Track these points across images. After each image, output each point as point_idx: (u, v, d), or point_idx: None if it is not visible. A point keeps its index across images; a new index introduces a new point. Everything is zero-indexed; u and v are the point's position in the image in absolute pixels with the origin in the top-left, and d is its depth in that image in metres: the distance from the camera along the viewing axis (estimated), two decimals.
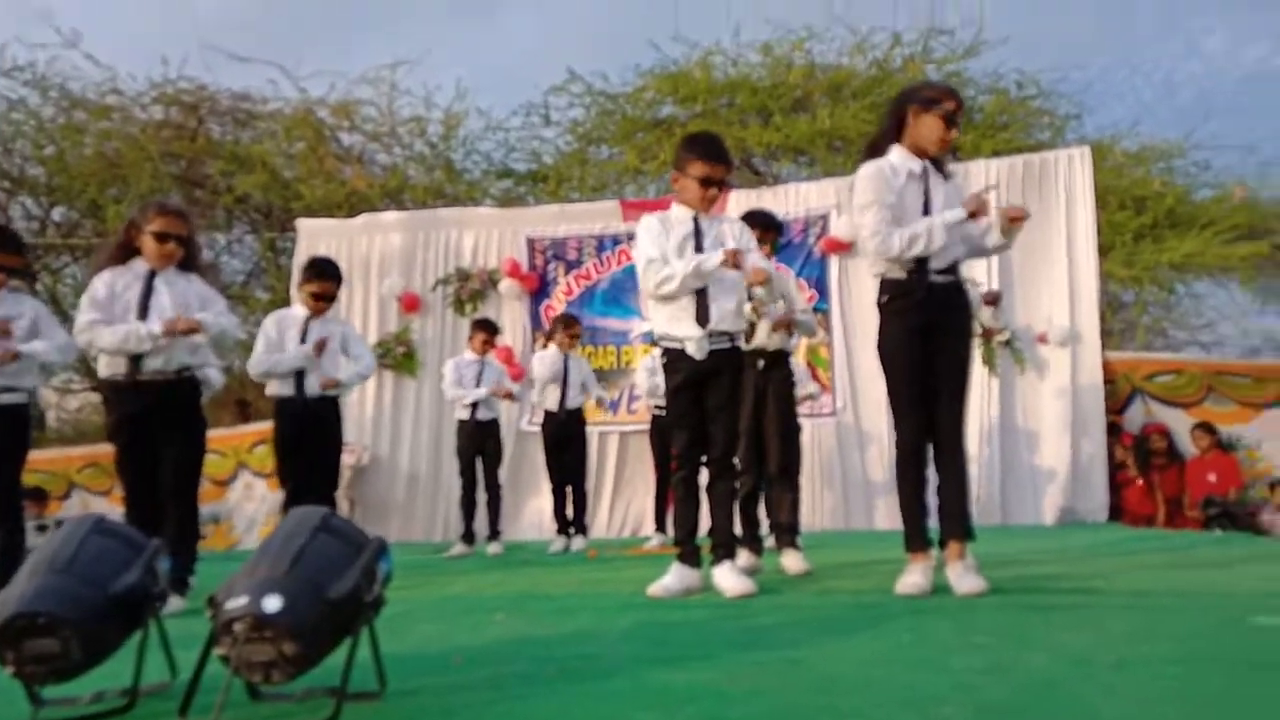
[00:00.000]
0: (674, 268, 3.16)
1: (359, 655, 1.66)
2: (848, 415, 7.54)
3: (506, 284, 8.09)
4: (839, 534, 6.84)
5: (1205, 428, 7.15)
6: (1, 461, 3.65)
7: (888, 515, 7.23)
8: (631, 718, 1.57)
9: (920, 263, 3.01)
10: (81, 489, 9.00)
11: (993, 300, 7.07)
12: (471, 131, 12.01)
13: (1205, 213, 10.20)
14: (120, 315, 3.42)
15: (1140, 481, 7.22)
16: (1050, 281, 7.37)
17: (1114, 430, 7.33)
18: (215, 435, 8.32)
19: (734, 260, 3.11)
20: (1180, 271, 10.43)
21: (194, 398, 3.56)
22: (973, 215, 3.00)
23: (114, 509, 8.38)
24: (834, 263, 7.68)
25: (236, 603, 1.57)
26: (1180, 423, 7.33)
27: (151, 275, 3.50)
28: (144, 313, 3.43)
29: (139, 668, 1.73)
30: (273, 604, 1.55)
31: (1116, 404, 7.39)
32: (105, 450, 9.01)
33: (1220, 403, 7.22)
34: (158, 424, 3.45)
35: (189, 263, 3.57)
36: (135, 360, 3.42)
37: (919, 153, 3.07)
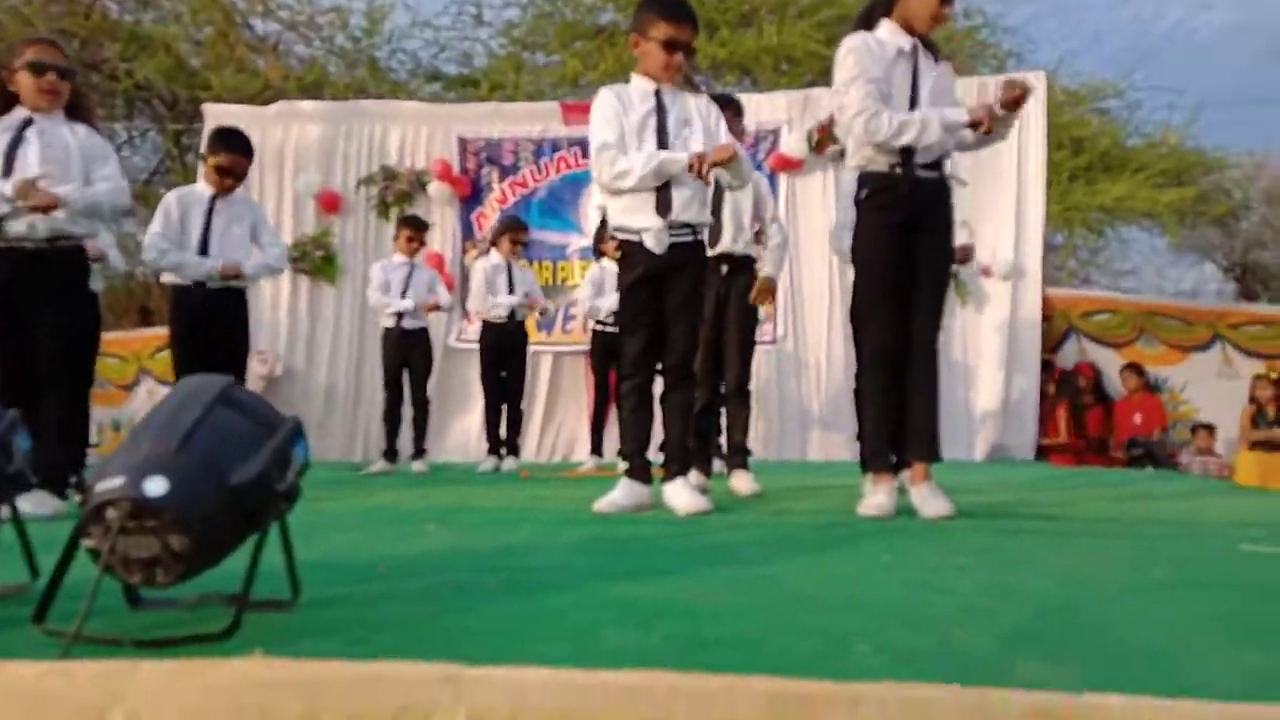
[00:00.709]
0: (632, 161, 2.83)
1: (266, 558, 1.35)
2: (788, 343, 7.38)
3: (436, 187, 7.57)
4: (774, 463, 6.72)
5: (1134, 369, 7.23)
6: None
7: (820, 447, 7.16)
8: (596, 635, 1.31)
9: (906, 154, 2.74)
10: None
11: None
12: (398, 27, 11.38)
13: (1137, 158, 10.33)
14: None
15: (1063, 418, 7.27)
16: (997, 212, 7.23)
17: (1047, 366, 7.35)
18: (114, 338, 7.73)
19: (699, 168, 2.79)
20: (1110, 215, 10.56)
21: (73, 270, 3.07)
22: (975, 125, 2.73)
23: None
24: (783, 181, 7.40)
25: (110, 484, 1.23)
26: (1111, 363, 7.39)
27: (25, 124, 3.01)
28: (8, 167, 2.94)
29: None
30: (156, 486, 1.22)
31: (1051, 341, 7.42)
32: None
33: (1150, 344, 7.30)
34: (27, 298, 2.99)
35: (76, 110, 3.08)
36: None
37: (909, 29, 2.79)
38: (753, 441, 7.02)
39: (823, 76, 10.38)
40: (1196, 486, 4.40)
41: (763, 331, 7.17)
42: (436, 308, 5.83)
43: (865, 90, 2.69)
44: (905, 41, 2.79)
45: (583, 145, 6.91)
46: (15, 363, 3.02)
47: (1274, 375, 6.90)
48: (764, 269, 3.63)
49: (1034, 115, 7.26)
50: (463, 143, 7.67)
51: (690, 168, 2.80)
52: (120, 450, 1.31)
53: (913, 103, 2.75)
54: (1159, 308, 7.62)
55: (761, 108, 7.57)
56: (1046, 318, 7.33)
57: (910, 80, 2.77)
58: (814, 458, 7.06)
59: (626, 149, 2.89)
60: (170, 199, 3.95)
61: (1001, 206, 7.24)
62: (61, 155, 3.00)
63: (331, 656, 1.16)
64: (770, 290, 3.63)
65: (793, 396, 7.37)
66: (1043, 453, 7.17)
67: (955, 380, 7.26)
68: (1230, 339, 7.22)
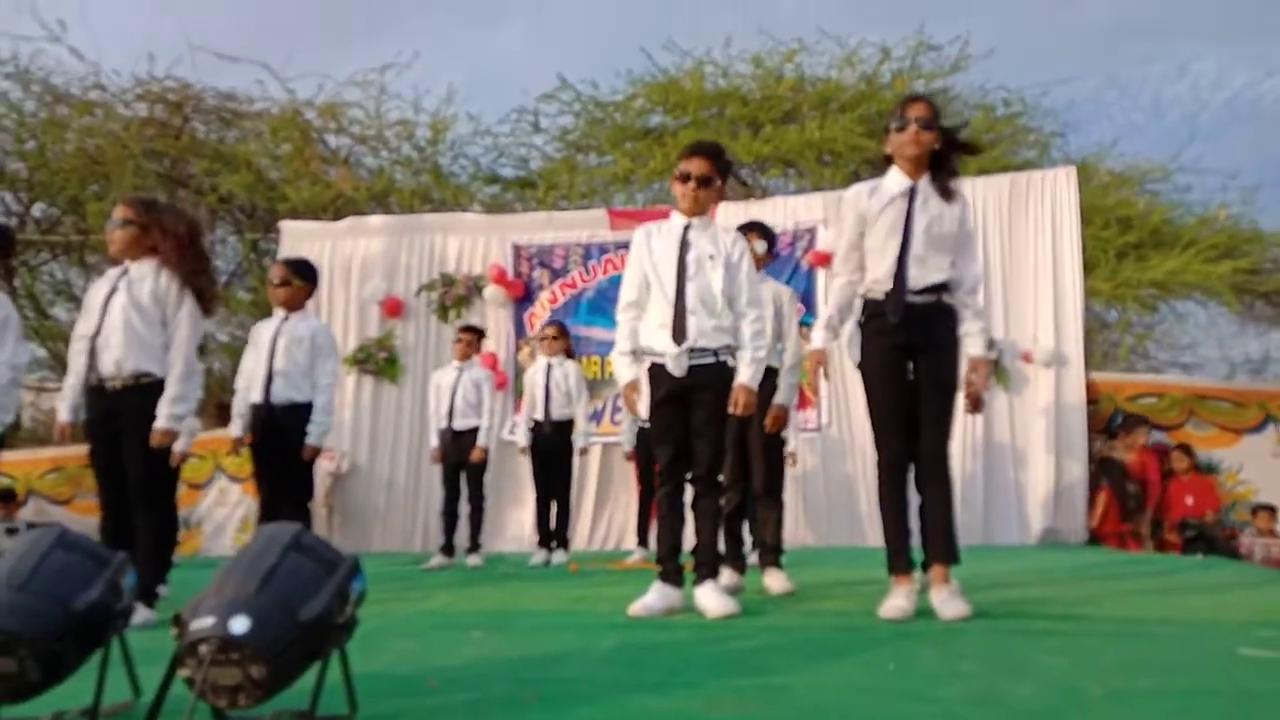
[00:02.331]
0: (620, 345, 3.28)
1: (330, 677, 1.60)
2: (834, 430, 7.51)
3: (491, 290, 8.02)
4: (823, 550, 6.79)
5: (1184, 449, 7.16)
6: None
7: (873, 532, 7.20)
8: None
9: (896, 285, 2.98)
10: (39, 496, 8.68)
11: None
12: (460, 136, 11.96)
13: (1188, 233, 10.29)
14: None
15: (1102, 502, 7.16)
16: (1035, 301, 7.37)
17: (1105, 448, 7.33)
18: (196, 438, 8.20)
19: (628, 400, 3.21)
20: (1163, 290, 10.50)
21: (152, 403, 3.39)
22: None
23: (72, 518, 8.21)
24: (821, 276, 7.65)
25: (202, 623, 1.51)
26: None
27: (121, 274, 3.47)
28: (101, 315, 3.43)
29: (100, 688, 1.67)
30: (240, 625, 1.49)
31: (1099, 424, 7.40)
32: (72, 454, 8.85)
33: (1200, 427, 7.23)
34: (117, 430, 3.39)
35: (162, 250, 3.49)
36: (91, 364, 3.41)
37: (909, 171, 3.05)
38: (800, 530, 7.24)
39: (865, 167, 10.70)
40: (1235, 578, 4.39)
41: (807, 420, 7.37)
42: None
43: (843, 253, 3.16)
44: (902, 185, 3.04)
45: (628, 248, 7.24)
46: (111, 484, 3.40)
47: None
48: (776, 397, 3.82)
49: (1066, 205, 7.44)
50: (516, 249, 8.13)
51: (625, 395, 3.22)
52: (211, 590, 1.59)
53: (904, 244, 2.99)
54: (1207, 390, 7.56)
55: (799, 208, 7.90)
56: (1092, 401, 7.35)
57: (903, 223, 3.00)
58: (865, 543, 7.08)
59: (650, 288, 3.22)
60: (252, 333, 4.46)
61: (1040, 295, 7.36)
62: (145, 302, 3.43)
63: None
64: (782, 417, 3.83)
65: (840, 482, 7.47)
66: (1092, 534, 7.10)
67: (1005, 464, 7.30)
68: None
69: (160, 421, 3.35)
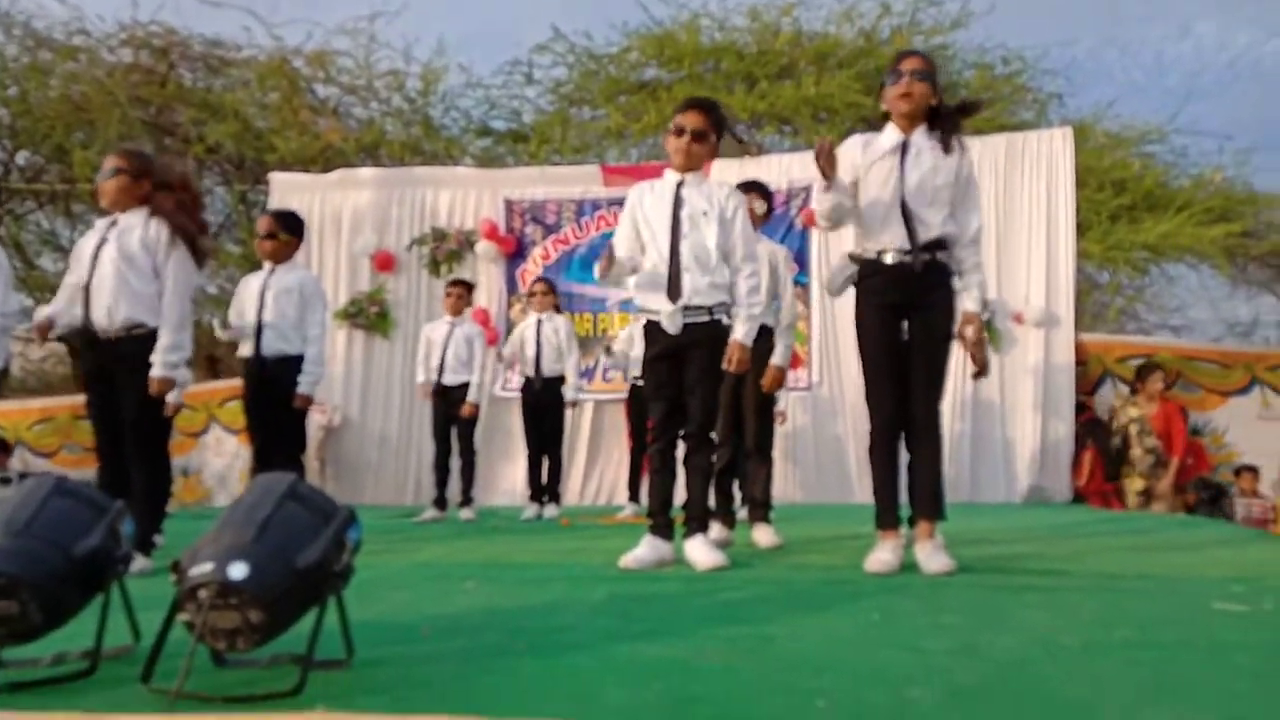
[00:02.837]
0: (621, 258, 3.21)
1: (327, 623, 1.63)
2: (824, 389, 7.58)
3: (483, 246, 7.99)
4: (812, 507, 6.88)
5: (1180, 411, 7.20)
6: None
7: (862, 489, 7.30)
8: (599, 693, 1.56)
9: (886, 243, 2.99)
10: (24, 447, 8.71)
11: (980, 369, 7.08)
12: (451, 88, 11.85)
13: (1182, 196, 10.28)
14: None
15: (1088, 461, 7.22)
16: (1028, 261, 7.41)
17: (1083, 410, 7.40)
18: (186, 390, 8.21)
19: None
20: (1155, 253, 10.52)
21: (146, 353, 3.39)
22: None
23: (57, 471, 8.22)
24: (815, 235, 7.65)
25: (201, 569, 1.53)
26: None
27: (110, 225, 3.45)
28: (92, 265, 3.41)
29: (101, 631, 1.70)
30: (239, 570, 1.52)
31: (1087, 385, 7.48)
32: (63, 404, 8.84)
33: (1188, 389, 7.31)
34: (112, 379, 3.40)
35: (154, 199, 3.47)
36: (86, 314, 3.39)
37: (904, 126, 3.04)
38: (790, 487, 7.32)
39: (861, 124, 10.60)
40: (1215, 536, 4.47)
41: (798, 378, 7.41)
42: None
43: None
44: (895, 139, 3.04)
45: (621, 204, 7.21)
46: (107, 434, 3.42)
47: None
48: (773, 358, 3.84)
49: (1062, 166, 7.43)
50: (509, 204, 8.09)
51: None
52: (207, 538, 1.61)
53: (901, 201, 2.98)
54: (1195, 352, 7.62)
55: (794, 166, 7.86)
56: (1081, 362, 7.41)
57: (896, 175, 3.00)
58: (853, 500, 7.18)
59: (644, 244, 3.21)
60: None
61: (1033, 256, 7.40)
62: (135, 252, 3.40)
63: (380, 712, 1.45)
64: (780, 379, 3.85)
65: (829, 440, 7.56)
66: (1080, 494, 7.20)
67: (993, 423, 7.39)
68: (1268, 381, 7.22)
69: (156, 369, 3.35)
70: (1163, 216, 9.98)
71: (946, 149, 3.02)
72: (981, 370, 3.12)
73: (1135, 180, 10.27)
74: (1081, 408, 7.38)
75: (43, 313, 3.50)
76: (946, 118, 3.03)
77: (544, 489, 6.21)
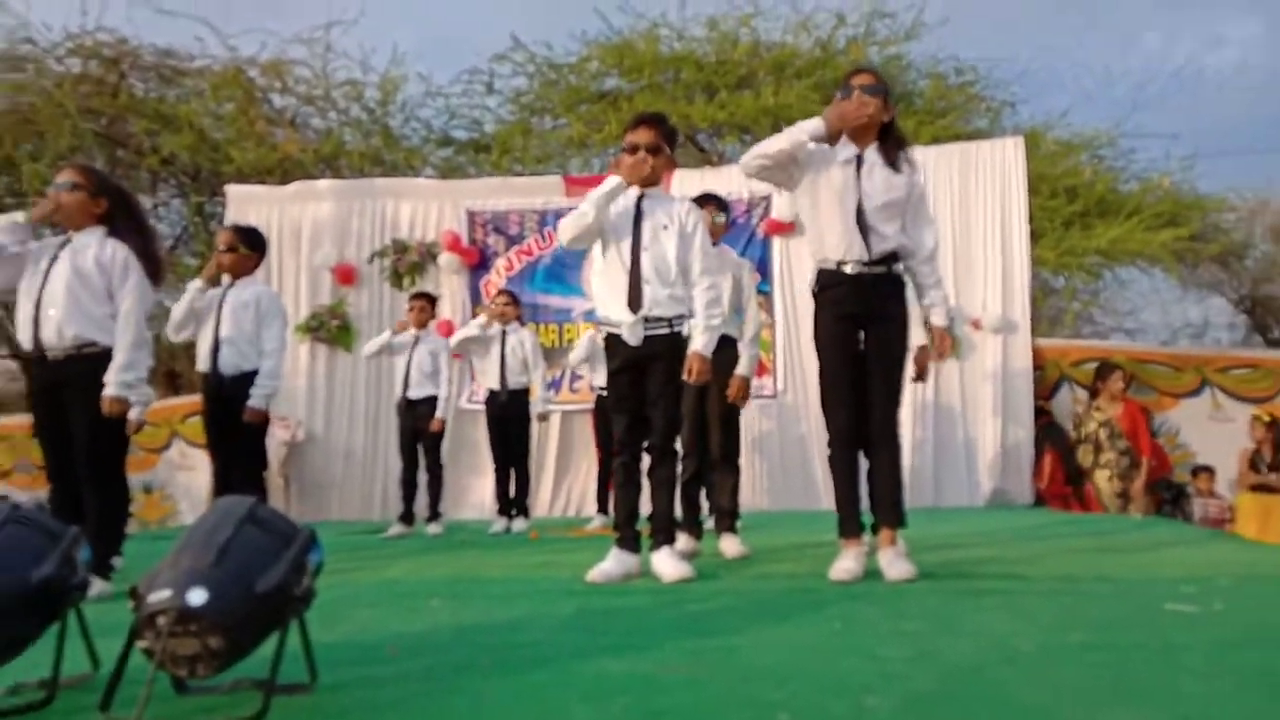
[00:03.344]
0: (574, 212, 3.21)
1: (289, 646, 1.62)
2: (788, 396, 7.63)
3: (446, 257, 7.94)
4: (777, 514, 6.92)
5: (1142, 411, 7.33)
6: None
7: (830, 495, 7.34)
8: (565, 710, 1.57)
9: (845, 254, 3.04)
10: None
11: (921, 371, 7.18)
12: (411, 97, 11.74)
13: (1132, 201, 10.54)
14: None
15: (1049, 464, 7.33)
16: (985, 269, 7.54)
17: (1041, 414, 7.54)
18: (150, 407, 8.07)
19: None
20: (1107, 259, 10.76)
21: (98, 373, 3.33)
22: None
23: (11, 492, 8.04)
24: (776, 244, 7.72)
25: (160, 595, 1.52)
26: None
27: (63, 244, 3.39)
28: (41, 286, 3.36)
29: (58, 660, 1.67)
30: (198, 596, 1.50)
31: (1045, 389, 7.61)
32: (16, 423, 8.60)
33: (1141, 391, 7.46)
34: (63, 401, 3.34)
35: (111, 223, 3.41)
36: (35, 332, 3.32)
37: (856, 139, 3.08)
38: (756, 495, 7.36)
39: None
40: (1171, 536, 4.58)
41: (762, 386, 7.47)
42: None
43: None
44: (849, 151, 3.08)
45: None
46: (57, 455, 3.36)
47: (1266, 419, 7.06)
48: (739, 368, 3.88)
49: (1014, 174, 7.59)
50: (471, 215, 8.05)
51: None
52: (167, 563, 1.59)
53: (859, 211, 3.03)
54: (1147, 355, 7.79)
55: None
56: (1038, 367, 7.55)
57: (854, 187, 3.04)
58: (819, 506, 7.20)
59: (605, 245, 3.23)
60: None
61: (988, 263, 7.53)
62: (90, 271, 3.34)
63: None
64: (744, 388, 3.89)
65: (794, 447, 7.60)
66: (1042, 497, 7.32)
67: (954, 428, 7.49)
68: (1218, 384, 7.41)
69: (110, 389, 3.30)
70: (1114, 222, 10.22)
71: (895, 167, 3.06)
72: (921, 375, 3.19)
73: (1086, 187, 10.50)
74: (1040, 411, 7.52)
75: None
76: (893, 132, 3.08)
77: (512, 502, 6.17)
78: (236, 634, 1.53)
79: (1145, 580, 3.02)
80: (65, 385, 3.32)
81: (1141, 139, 11.35)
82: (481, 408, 6.50)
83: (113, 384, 3.31)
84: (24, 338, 3.35)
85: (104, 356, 3.34)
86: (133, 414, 3.42)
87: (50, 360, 3.32)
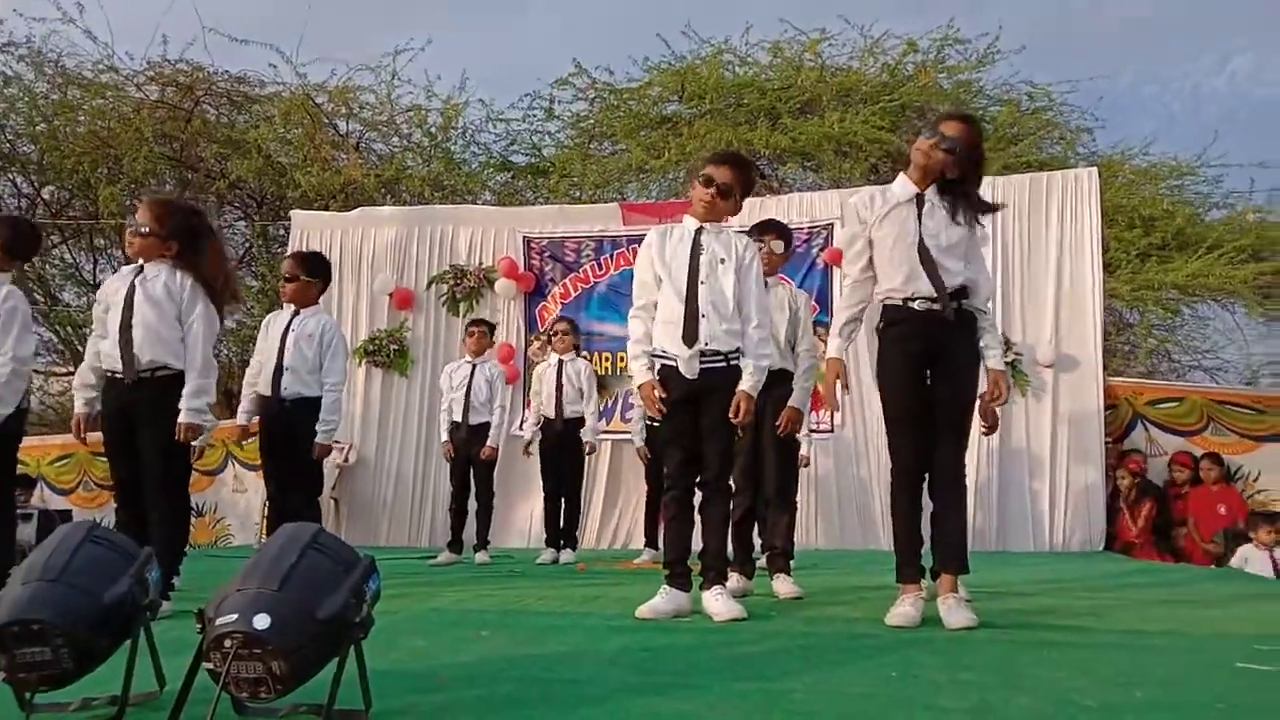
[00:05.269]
0: (634, 345, 3.28)
1: (345, 672, 1.65)
2: (847, 431, 7.50)
3: (502, 283, 8.05)
4: (832, 554, 6.79)
5: (1213, 457, 7.06)
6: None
7: (888, 535, 7.18)
8: None
9: (936, 288, 2.98)
10: (44, 482, 8.71)
11: (990, 420, 7.11)
12: (471, 122, 11.94)
13: (1213, 233, 10.15)
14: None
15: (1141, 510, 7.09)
16: (1053, 303, 7.33)
17: (1115, 455, 7.30)
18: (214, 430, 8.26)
19: (648, 399, 3.20)
20: (1185, 293, 10.39)
21: (168, 396, 3.43)
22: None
23: (75, 509, 8.25)
24: (836, 274, 7.62)
25: (227, 619, 1.56)
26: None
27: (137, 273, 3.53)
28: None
29: (128, 677, 1.72)
30: (263, 621, 1.54)
31: (1117, 430, 7.37)
32: (73, 441, 8.78)
33: (1220, 433, 7.17)
34: (134, 422, 3.45)
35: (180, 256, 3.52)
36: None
37: (917, 180, 3.06)
38: (812, 532, 7.22)
39: (884, 161, 10.64)
40: (1246, 589, 4.40)
41: (820, 421, 7.37)
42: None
43: (850, 257, 3.21)
44: (908, 193, 3.05)
45: (640, 243, 7.26)
46: (125, 475, 3.47)
47: None
48: (791, 400, 3.82)
49: (1087, 207, 7.40)
50: (527, 241, 8.17)
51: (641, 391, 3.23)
52: (233, 585, 1.63)
53: (922, 247, 2.99)
54: (1227, 396, 7.49)
55: (815, 204, 7.90)
56: (1110, 406, 7.31)
57: (913, 226, 3.00)
58: (878, 546, 6.97)
59: (660, 286, 3.24)
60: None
61: (1059, 299, 7.33)
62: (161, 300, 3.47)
63: None
64: (797, 421, 3.83)
65: (853, 485, 7.46)
66: (1111, 542, 7.07)
67: (1021, 470, 7.26)
68: None
69: (184, 416, 3.40)
70: (1193, 255, 9.84)
71: (953, 217, 3.02)
72: (993, 427, 3.13)
73: (1165, 217, 10.16)
74: (1124, 454, 7.25)
75: (79, 409, 3.59)
76: (961, 195, 3.03)
77: (560, 533, 6.16)
78: (299, 659, 1.56)
79: (1216, 635, 2.90)
80: (137, 407, 3.43)
81: (1226, 168, 10.93)
82: (528, 435, 6.51)
83: (186, 410, 3.41)
84: (112, 364, 3.47)
85: (175, 381, 3.45)
86: (198, 440, 3.52)
87: (123, 383, 3.43)
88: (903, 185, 3.07)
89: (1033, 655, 2.46)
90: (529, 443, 6.30)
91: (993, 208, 3.14)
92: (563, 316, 6.80)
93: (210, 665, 1.56)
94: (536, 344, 7.87)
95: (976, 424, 3.18)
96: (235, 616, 1.55)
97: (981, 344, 3.10)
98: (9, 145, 11.24)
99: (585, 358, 6.57)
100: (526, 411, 7.51)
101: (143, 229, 3.48)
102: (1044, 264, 7.40)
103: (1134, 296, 9.92)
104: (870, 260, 3.11)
